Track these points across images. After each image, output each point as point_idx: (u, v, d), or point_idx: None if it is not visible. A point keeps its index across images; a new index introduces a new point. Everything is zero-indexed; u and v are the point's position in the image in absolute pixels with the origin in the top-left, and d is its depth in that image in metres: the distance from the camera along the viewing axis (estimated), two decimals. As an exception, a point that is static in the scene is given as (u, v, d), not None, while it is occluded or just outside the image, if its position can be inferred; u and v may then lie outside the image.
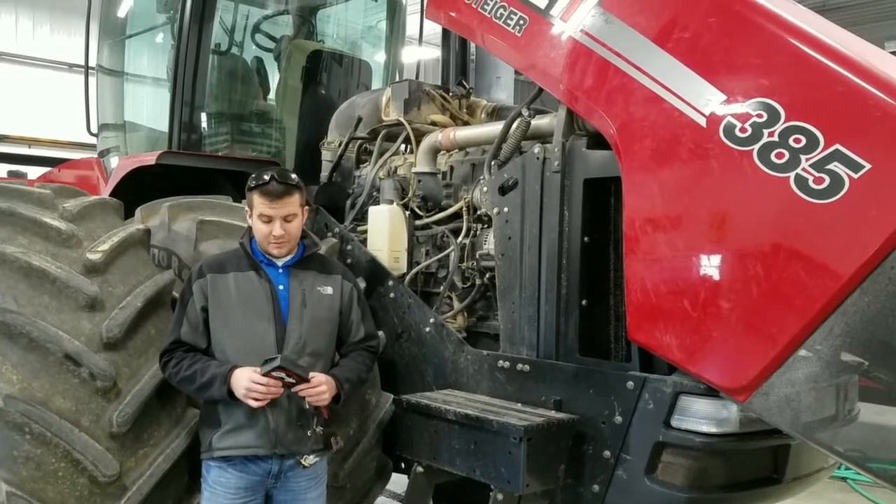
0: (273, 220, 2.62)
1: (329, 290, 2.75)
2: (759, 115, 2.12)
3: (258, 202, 2.63)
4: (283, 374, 2.45)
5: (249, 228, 2.78)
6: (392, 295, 3.27)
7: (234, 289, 2.64)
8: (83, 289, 2.65)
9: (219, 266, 2.69)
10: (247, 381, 2.47)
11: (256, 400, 2.47)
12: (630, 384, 2.44)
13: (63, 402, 2.50)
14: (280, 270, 2.71)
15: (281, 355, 2.49)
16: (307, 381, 2.50)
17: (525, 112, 2.95)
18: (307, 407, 2.57)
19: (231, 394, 2.51)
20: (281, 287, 2.68)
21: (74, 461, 2.44)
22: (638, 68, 2.41)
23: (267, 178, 2.62)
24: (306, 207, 2.80)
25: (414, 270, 3.39)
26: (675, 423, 2.34)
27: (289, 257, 2.74)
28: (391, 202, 3.46)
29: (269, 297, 2.64)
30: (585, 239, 2.65)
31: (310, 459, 2.64)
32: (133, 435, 2.59)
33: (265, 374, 2.44)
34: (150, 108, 5.02)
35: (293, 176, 2.70)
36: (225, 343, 2.63)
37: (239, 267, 2.68)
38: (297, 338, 2.64)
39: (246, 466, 2.60)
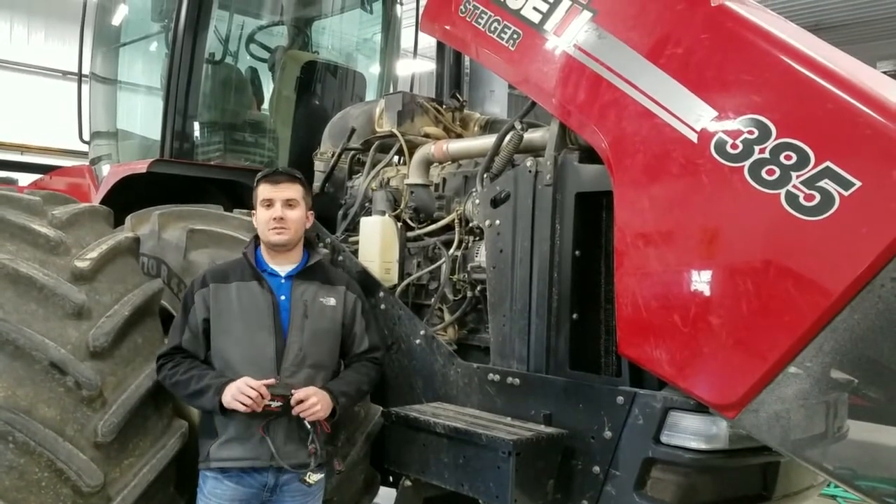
0: (274, 203, 2.69)
1: (332, 301, 2.74)
2: (751, 132, 2.13)
3: (261, 190, 2.74)
4: (267, 401, 2.46)
5: (254, 238, 2.79)
6: (383, 306, 3.26)
7: (235, 299, 2.64)
8: (70, 296, 2.63)
9: (222, 275, 2.69)
10: (240, 384, 2.47)
11: (244, 405, 2.45)
12: (620, 399, 2.43)
13: (48, 411, 2.47)
14: (283, 281, 2.70)
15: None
16: (290, 395, 2.48)
17: (518, 125, 2.95)
18: (306, 423, 2.54)
19: (222, 406, 2.49)
20: (283, 298, 2.67)
21: (58, 471, 2.41)
22: (630, 83, 2.42)
23: (272, 169, 2.82)
24: (311, 212, 2.82)
25: (405, 282, 3.38)
26: (664, 438, 2.33)
27: (291, 267, 2.73)
28: (383, 213, 3.45)
29: (270, 308, 2.63)
30: (577, 253, 2.64)
31: (313, 477, 2.57)
32: (118, 445, 2.56)
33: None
34: (143, 116, 5.01)
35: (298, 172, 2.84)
36: (225, 353, 2.62)
37: (242, 277, 2.68)
38: (297, 350, 2.62)
39: (242, 479, 2.58)
